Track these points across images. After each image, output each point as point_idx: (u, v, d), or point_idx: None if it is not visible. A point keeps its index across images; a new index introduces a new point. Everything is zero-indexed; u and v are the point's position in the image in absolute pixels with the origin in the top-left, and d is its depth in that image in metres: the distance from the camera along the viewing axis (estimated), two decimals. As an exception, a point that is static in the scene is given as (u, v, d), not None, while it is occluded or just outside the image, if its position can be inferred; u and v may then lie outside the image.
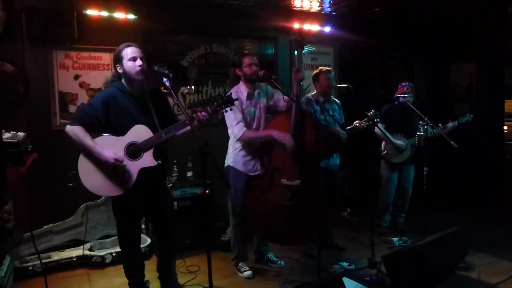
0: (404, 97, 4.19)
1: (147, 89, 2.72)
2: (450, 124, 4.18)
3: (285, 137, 3.15)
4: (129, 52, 2.60)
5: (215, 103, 2.67)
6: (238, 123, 3.24)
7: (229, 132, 3.33)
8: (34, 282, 3.31)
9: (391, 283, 3.16)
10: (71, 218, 3.82)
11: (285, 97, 3.31)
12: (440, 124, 4.10)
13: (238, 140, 3.28)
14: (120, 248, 2.85)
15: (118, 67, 2.63)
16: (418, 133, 3.85)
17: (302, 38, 3.37)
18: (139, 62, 2.59)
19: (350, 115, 4.03)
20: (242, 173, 3.36)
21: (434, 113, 4.31)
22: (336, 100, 4.01)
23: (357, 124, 3.80)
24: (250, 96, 3.34)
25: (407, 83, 4.36)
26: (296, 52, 3.40)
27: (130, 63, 2.59)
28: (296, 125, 3.21)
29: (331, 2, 4.66)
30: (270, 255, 3.65)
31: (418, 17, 5.40)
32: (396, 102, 4.36)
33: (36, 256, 2.99)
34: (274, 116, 3.37)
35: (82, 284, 3.35)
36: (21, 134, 3.05)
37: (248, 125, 3.32)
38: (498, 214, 5.01)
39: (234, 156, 3.37)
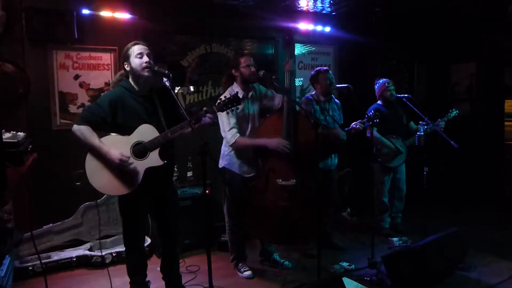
0: (390, 90, 4.25)
1: (154, 86, 2.72)
2: (440, 123, 4.19)
3: (278, 144, 3.13)
4: (136, 49, 2.63)
5: (221, 102, 2.67)
6: (231, 129, 3.22)
7: (222, 135, 3.32)
8: (34, 282, 3.31)
9: (391, 283, 3.16)
10: (71, 218, 3.82)
11: (278, 94, 3.34)
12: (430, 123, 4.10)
13: (230, 146, 3.28)
14: (124, 246, 2.86)
15: (126, 65, 2.66)
16: (418, 133, 3.86)
17: (290, 38, 3.37)
18: (145, 58, 2.61)
19: (350, 115, 4.04)
20: (238, 174, 3.35)
21: (434, 113, 4.31)
22: (336, 100, 4.01)
23: (354, 126, 3.81)
24: (245, 98, 3.32)
25: (384, 79, 4.36)
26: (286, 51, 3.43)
27: (137, 60, 2.61)
28: (289, 124, 3.21)
29: (331, 2, 4.66)
30: (275, 256, 3.65)
31: (418, 17, 5.40)
32: (380, 101, 4.37)
33: (36, 256, 2.98)
34: (268, 116, 3.35)
35: (82, 284, 3.35)
36: (21, 134, 3.03)
37: (242, 128, 3.30)
38: (498, 214, 5.01)
39: (229, 157, 3.36)
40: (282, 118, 3.22)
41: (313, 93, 3.91)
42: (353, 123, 3.83)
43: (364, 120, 3.76)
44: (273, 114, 3.33)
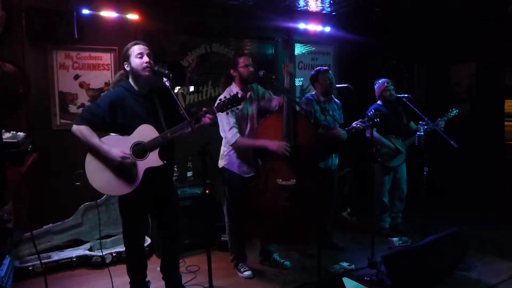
0: (389, 90, 4.24)
1: (154, 87, 2.72)
2: (439, 123, 4.19)
3: (279, 147, 3.13)
4: (136, 49, 2.62)
5: (221, 102, 2.67)
6: (231, 128, 3.22)
7: (222, 135, 3.32)
8: (34, 282, 3.30)
9: (391, 283, 3.16)
10: (71, 218, 3.82)
11: (275, 96, 3.35)
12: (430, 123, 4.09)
13: (231, 146, 3.28)
14: (124, 246, 2.85)
15: (126, 65, 2.65)
16: (418, 133, 3.86)
17: (290, 38, 3.37)
18: (146, 58, 2.60)
19: (350, 115, 4.03)
20: (237, 174, 3.35)
21: (434, 113, 4.31)
22: (336, 100, 4.01)
23: (355, 125, 3.80)
24: (244, 98, 3.32)
25: (383, 79, 4.35)
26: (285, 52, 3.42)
27: (137, 60, 2.60)
28: (289, 124, 3.21)
29: (331, 2, 4.67)
30: (275, 256, 3.65)
31: (418, 17, 5.40)
32: (379, 101, 4.36)
33: (36, 256, 2.99)
34: (267, 116, 3.34)
35: (82, 284, 3.35)
36: (21, 134, 3.05)
37: (241, 128, 3.30)
38: (498, 214, 5.01)
39: (228, 157, 3.36)
40: (282, 118, 3.22)
41: (313, 93, 3.91)
42: (353, 123, 3.82)
43: (365, 119, 3.76)
44: (272, 114, 3.33)
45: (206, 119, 2.58)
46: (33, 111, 3.86)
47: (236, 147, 3.27)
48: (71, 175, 3.45)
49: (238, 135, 3.22)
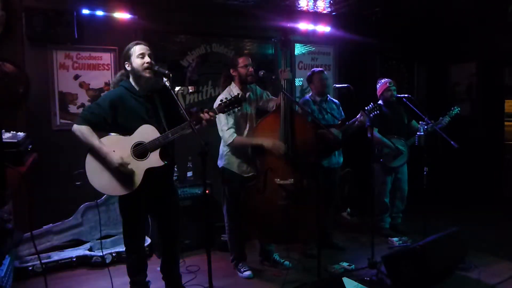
0: (390, 90, 4.23)
1: (155, 87, 2.72)
2: (443, 120, 4.19)
3: (274, 145, 3.14)
4: (137, 49, 2.62)
5: (222, 104, 2.67)
6: (229, 128, 3.22)
7: (220, 134, 3.33)
8: (34, 282, 3.31)
9: (391, 283, 3.16)
10: (71, 218, 3.82)
11: (273, 97, 3.35)
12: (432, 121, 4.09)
13: (228, 145, 3.28)
14: (125, 246, 2.86)
15: (127, 65, 2.65)
16: (418, 133, 3.86)
17: (287, 38, 3.38)
18: (147, 59, 2.61)
19: (350, 115, 4.03)
20: (237, 174, 3.36)
21: (434, 113, 4.31)
22: (334, 99, 4.03)
23: (359, 117, 3.77)
24: (245, 99, 3.31)
25: (386, 79, 4.34)
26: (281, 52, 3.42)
27: (139, 60, 2.60)
28: (286, 123, 3.21)
29: (331, 2, 4.67)
30: (275, 256, 3.65)
31: (418, 17, 5.40)
32: (380, 101, 4.36)
33: (36, 256, 2.99)
34: (264, 116, 3.35)
35: (82, 284, 3.35)
36: (21, 134, 3.05)
37: (241, 128, 3.31)
38: (498, 214, 5.01)
39: (228, 157, 3.36)
40: (279, 118, 3.23)
41: (310, 94, 3.94)
42: (357, 116, 3.79)
43: (365, 113, 3.73)
44: (271, 113, 3.34)
45: (209, 121, 2.59)
46: (33, 111, 3.85)
47: (233, 146, 3.27)
48: (71, 175, 3.45)
49: (235, 135, 3.23)
